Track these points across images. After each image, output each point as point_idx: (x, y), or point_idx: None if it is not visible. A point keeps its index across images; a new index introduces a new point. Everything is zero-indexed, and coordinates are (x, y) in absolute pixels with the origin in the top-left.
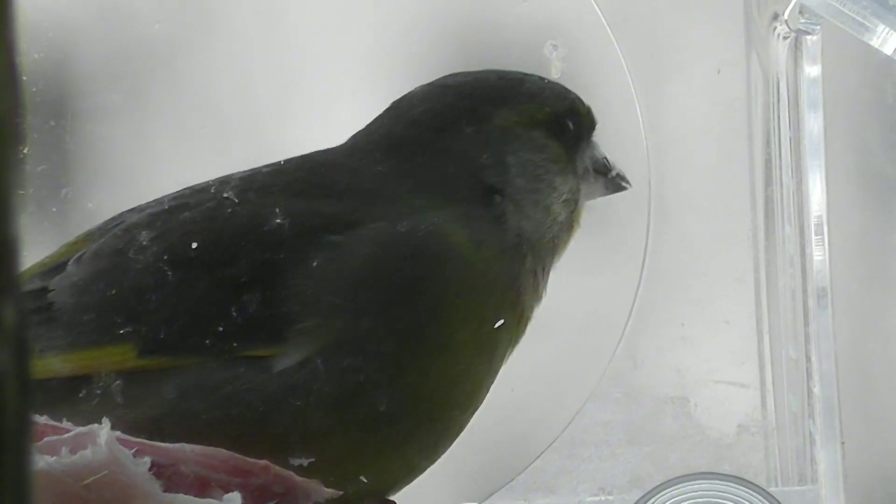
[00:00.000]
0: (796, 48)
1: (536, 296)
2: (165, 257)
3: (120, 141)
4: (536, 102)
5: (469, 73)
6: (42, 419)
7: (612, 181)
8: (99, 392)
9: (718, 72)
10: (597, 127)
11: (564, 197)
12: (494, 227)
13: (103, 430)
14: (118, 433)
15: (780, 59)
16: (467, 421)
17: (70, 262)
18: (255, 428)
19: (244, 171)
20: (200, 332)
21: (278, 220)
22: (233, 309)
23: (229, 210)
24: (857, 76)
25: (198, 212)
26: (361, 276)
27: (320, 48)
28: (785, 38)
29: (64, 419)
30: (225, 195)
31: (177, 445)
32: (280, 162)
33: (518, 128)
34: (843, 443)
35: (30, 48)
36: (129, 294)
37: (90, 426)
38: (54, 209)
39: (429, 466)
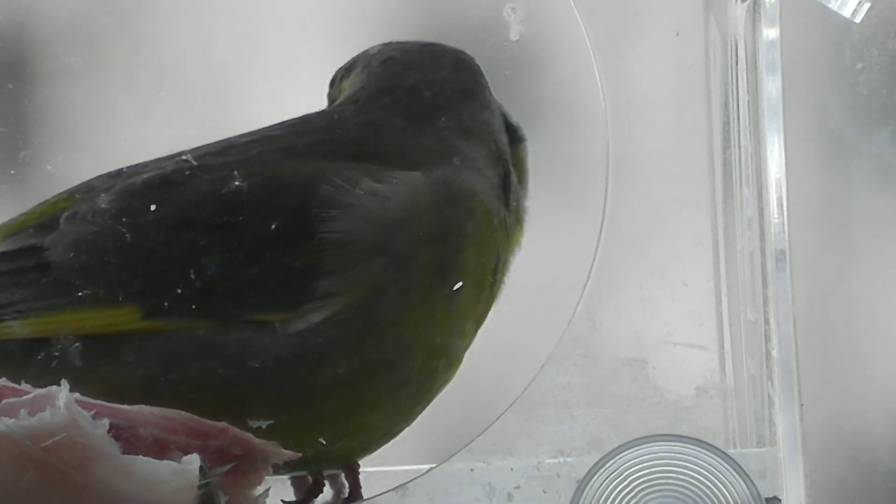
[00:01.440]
0: (754, 11)
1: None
2: (170, 217)
3: (78, 103)
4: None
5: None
6: (0, 381)
7: None
8: (58, 355)
9: (677, 34)
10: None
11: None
12: (501, 192)
13: (62, 393)
14: (77, 395)
15: (739, 21)
16: (441, 383)
17: (62, 221)
18: (218, 390)
19: (252, 134)
20: (204, 296)
21: (290, 176)
22: (241, 270)
23: (234, 169)
24: (816, 39)
25: (204, 177)
26: (397, 221)
27: (280, 7)
28: (743, 0)
29: (23, 381)
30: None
31: (135, 408)
32: (294, 120)
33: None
34: (801, 405)
35: None
36: (133, 255)
37: (49, 388)
38: (13, 172)
39: (398, 429)
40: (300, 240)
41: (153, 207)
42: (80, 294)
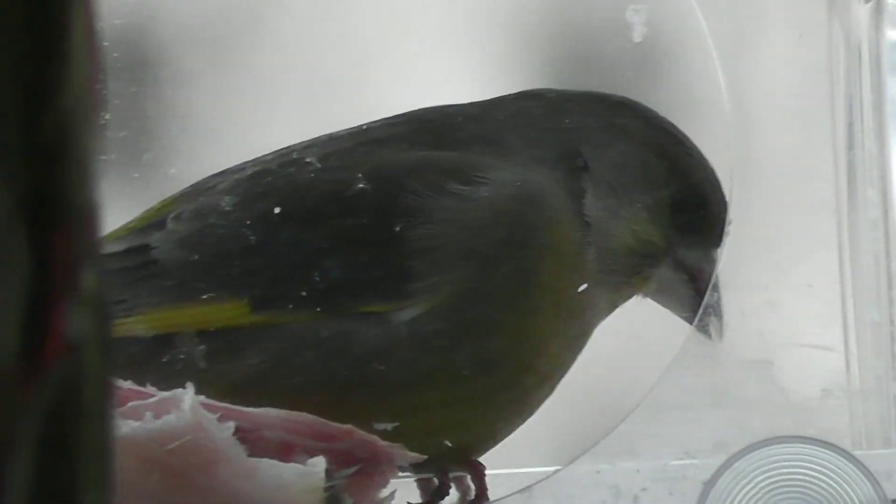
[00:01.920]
0: (878, 12)
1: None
2: (276, 210)
3: (201, 106)
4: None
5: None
6: (126, 384)
7: (698, 317)
8: (183, 357)
9: (800, 36)
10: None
11: (637, 228)
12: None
13: (187, 395)
14: (202, 398)
15: (862, 23)
16: (552, 386)
17: (169, 220)
18: (342, 392)
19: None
20: (312, 287)
21: (392, 170)
22: (350, 264)
23: (338, 163)
24: None
25: (311, 169)
26: (485, 224)
27: (404, 7)
28: (866, 2)
29: (148, 384)
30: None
31: (260, 410)
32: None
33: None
34: None
35: (110, 14)
36: (239, 249)
37: (174, 391)
38: (136, 175)
39: (512, 430)
40: (388, 240)
41: (255, 202)
42: (187, 289)
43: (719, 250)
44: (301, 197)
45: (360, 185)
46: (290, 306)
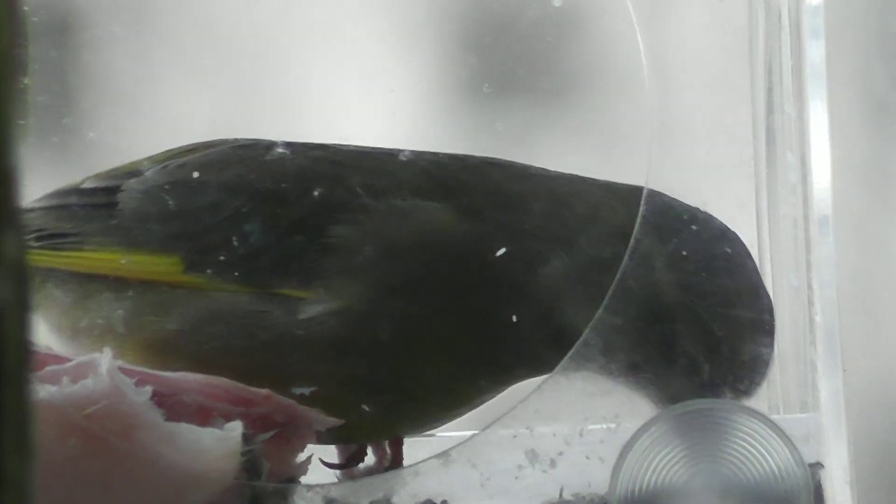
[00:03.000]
0: None
1: None
2: (230, 183)
3: (121, 70)
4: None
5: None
6: (43, 348)
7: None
8: (101, 321)
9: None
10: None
11: None
12: None
13: (105, 359)
14: (120, 362)
15: None
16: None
17: (151, 169)
18: (260, 359)
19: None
20: (246, 262)
21: (340, 169)
22: (279, 244)
23: (297, 158)
24: (860, 4)
25: (262, 153)
26: (410, 243)
27: None
28: None
29: (73, 337)
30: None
31: (178, 374)
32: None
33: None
34: (844, 370)
35: None
36: (189, 211)
37: (91, 355)
38: (55, 139)
39: (445, 414)
40: (317, 232)
41: (196, 174)
42: (133, 237)
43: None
44: (222, 163)
45: (280, 150)
46: (209, 271)
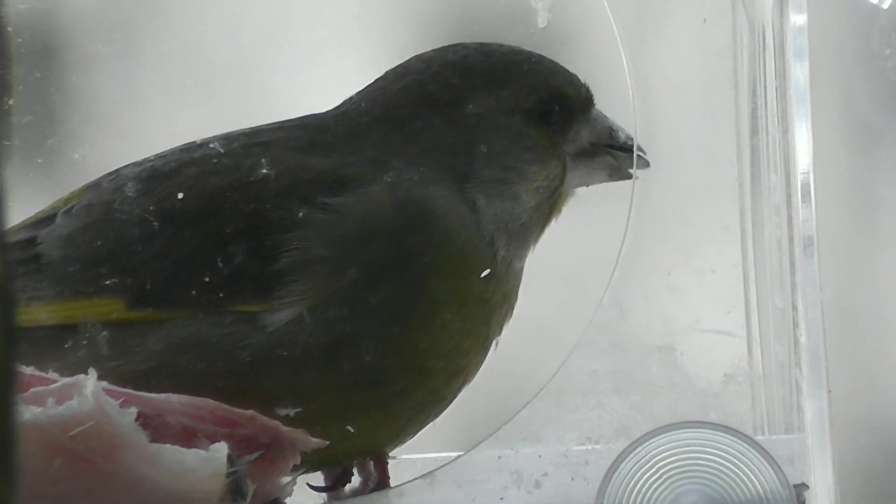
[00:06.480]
0: None
1: (513, 279)
2: (152, 209)
3: (106, 91)
4: (519, 87)
5: (466, 47)
6: (28, 370)
7: (615, 167)
8: (85, 343)
9: (704, 21)
10: (582, 77)
11: (537, 184)
12: (471, 211)
13: (90, 381)
14: (105, 384)
15: (766, 8)
16: (467, 376)
17: (59, 214)
18: (243, 380)
19: (243, 129)
20: (187, 285)
21: (265, 171)
22: (219, 261)
23: (215, 161)
24: (844, 25)
25: (184, 163)
26: (354, 237)
27: None
28: None
29: (50, 370)
30: (211, 146)
31: (163, 396)
32: (279, 121)
33: (495, 114)
34: (829, 391)
35: None
36: (117, 246)
37: (76, 377)
38: (40, 160)
39: (419, 426)
40: (259, 244)
41: (125, 198)
42: (68, 284)
43: (597, 107)
44: (142, 191)
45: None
46: (165, 304)
